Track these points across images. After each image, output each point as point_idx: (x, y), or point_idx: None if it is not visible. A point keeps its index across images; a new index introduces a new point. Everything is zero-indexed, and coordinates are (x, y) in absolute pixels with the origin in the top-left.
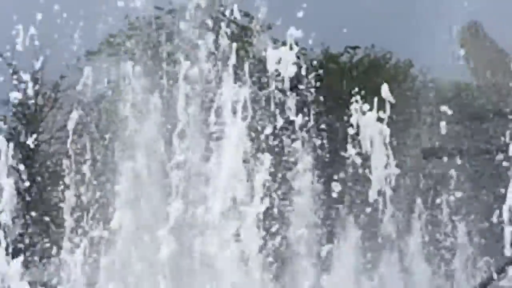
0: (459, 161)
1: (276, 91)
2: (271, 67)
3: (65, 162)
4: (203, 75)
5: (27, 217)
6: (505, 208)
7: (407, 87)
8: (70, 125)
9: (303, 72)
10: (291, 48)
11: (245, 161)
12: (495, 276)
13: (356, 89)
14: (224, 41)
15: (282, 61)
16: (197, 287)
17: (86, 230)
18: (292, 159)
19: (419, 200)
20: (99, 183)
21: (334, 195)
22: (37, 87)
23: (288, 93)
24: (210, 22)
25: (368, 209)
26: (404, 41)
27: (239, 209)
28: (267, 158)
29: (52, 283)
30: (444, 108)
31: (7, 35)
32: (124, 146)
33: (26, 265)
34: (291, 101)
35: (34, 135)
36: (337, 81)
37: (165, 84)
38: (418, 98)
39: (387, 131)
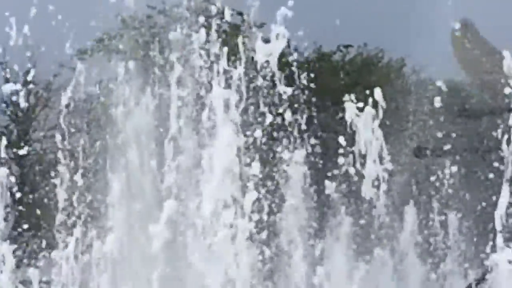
0: (450, 159)
1: (265, 86)
2: (260, 58)
3: (59, 156)
4: (194, 73)
5: (17, 214)
6: (497, 215)
7: (400, 85)
8: (62, 123)
9: (296, 71)
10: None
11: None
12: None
13: (350, 87)
14: (213, 38)
15: (272, 47)
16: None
17: (77, 228)
18: (284, 156)
19: (410, 199)
20: (91, 182)
21: (328, 191)
22: (30, 85)
23: (280, 84)
24: (202, 21)
25: (361, 206)
26: (397, 40)
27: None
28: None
29: (44, 281)
30: (436, 105)
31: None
32: (116, 145)
33: (17, 264)
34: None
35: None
36: (330, 80)
37: (156, 84)
38: (410, 97)
39: (378, 131)
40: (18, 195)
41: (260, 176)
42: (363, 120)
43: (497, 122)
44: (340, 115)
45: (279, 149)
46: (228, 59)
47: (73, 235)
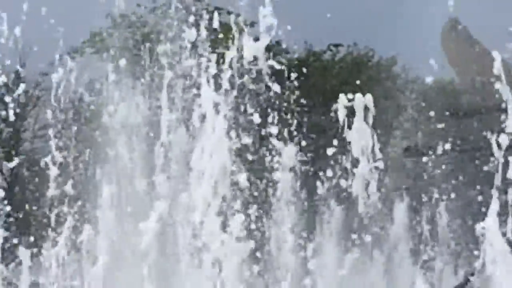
0: (440, 159)
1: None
2: (248, 55)
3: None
4: (186, 71)
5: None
6: (486, 225)
7: (389, 85)
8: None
9: (286, 70)
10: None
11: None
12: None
13: (340, 87)
14: (202, 38)
15: (260, 43)
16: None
17: (68, 227)
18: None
19: (399, 196)
20: (82, 181)
21: (320, 190)
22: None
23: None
24: (191, 20)
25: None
26: (387, 40)
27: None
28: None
29: (35, 282)
30: (424, 104)
31: None
32: (104, 145)
33: (7, 264)
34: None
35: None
36: (320, 78)
37: (147, 84)
38: (400, 96)
39: (368, 130)
40: (2, 194)
41: (248, 189)
42: (355, 106)
43: (486, 121)
44: (331, 114)
45: (268, 151)
46: (218, 63)
47: (63, 233)
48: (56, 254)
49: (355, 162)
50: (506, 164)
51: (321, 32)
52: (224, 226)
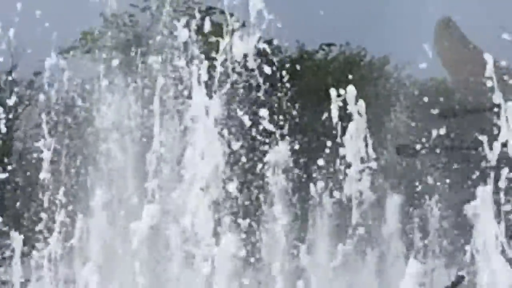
0: (432, 157)
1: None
2: (238, 54)
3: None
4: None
5: None
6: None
7: (382, 84)
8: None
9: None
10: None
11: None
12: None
13: (333, 85)
14: (193, 40)
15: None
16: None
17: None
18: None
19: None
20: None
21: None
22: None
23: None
24: (184, 21)
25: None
26: (380, 39)
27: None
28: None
29: (25, 281)
30: (418, 103)
31: None
32: (96, 144)
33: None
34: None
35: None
36: (313, 78)
37: (140, 84)
38: (392, 95)
39: (363, 125)
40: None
41: (239, 199)
42: (347, 99)
43: (478, 121)
44: (324, 114)
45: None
46: (209, 63)
47: (54, 234)
48: (48, 253)
49: (348, 163)
50: (498, 172)
51: (314, 32)
52: (215, 232)
